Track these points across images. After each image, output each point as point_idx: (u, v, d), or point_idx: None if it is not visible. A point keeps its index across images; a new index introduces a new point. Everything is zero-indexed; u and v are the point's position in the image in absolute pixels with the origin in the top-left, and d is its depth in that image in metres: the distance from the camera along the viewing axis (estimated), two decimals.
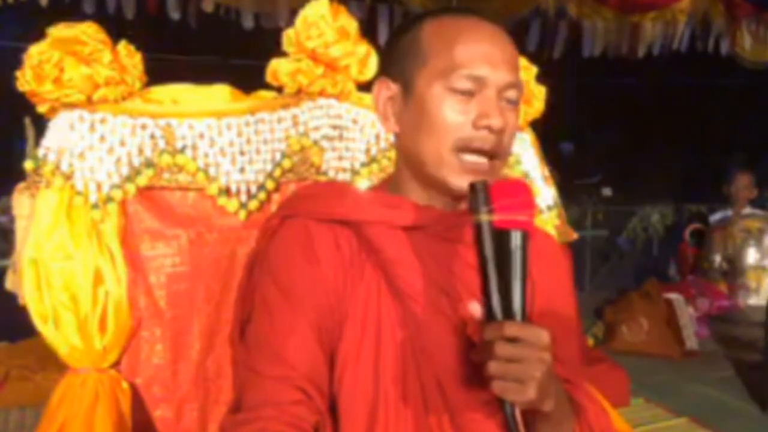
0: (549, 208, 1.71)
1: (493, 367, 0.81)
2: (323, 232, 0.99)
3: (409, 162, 1.01)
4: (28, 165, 1.25)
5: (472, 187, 0.86)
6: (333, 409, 0.97)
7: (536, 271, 0.90)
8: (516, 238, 0.84)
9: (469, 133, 0.95)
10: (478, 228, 0.85)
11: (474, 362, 0.86)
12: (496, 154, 0.96)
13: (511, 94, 0.97)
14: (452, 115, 0.95)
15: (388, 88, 1.02)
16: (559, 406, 0.89)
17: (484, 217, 0.84)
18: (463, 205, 0.98)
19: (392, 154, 1.42)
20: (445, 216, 1.00)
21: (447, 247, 1.00)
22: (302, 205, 1.05)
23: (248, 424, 0.91)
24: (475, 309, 0.85)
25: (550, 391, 0.84)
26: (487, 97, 0.95)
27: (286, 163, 1.37)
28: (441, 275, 0.98)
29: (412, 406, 0.95)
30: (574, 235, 1.82)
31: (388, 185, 1.07)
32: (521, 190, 0.87)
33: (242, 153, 1.35)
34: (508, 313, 0.84)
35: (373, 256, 0.99)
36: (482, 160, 0.96)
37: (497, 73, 0.95)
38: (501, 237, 0.84)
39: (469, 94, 0.95)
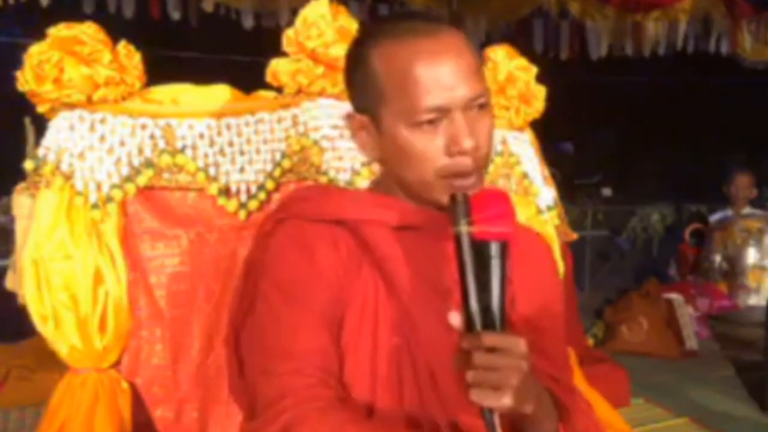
0: (549, 208, 1.71)
1: (471, 375, 0.83)
2: (319, 231, 0.99)
3: (396, 181, 1.03)
4: (28, 165, 1.26)
5: (453, 198, 0.89)
6: None
7: (520, 274, 0.92)
8: (495, 249, 0.86)
9: (446, 162, 0.95)
10: (457, 239, 0.87)
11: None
12: (478, 168, 0.98)
13: (479, 102, 0.97)
14: (425, 148, 0.95)
15: (359, 121, 1.02)
16: (541, 409, 0.90)
17: (463, 229, 0.87)
18: None
19: None
20: (437, 216, 1.01)
21: (440, 245, 1.00)
22: (294, 207, 1.05)
23: (271, 423, 0.90)
24: (455, 319, 0.87)
25: (528, 397, 0.86)
26: (453, 119, 0.95)
27: (286, 163, 1.37)
28: (434, 274, 1.00)
29: (407, 401, 0.97)
30: (574, 235, 1.82)
31: (379, 187, 1.08)
32: (500, 201, 0.89)
33: (242, 153, 1.35)
34: (487, 322, 0.85)
35: (369, 255, 0.99)
36: (467, 181, 0.97)
37: (458, 92, 0.94)
38: (480, 248, 0.86)
39: (435, 121, 0.95)
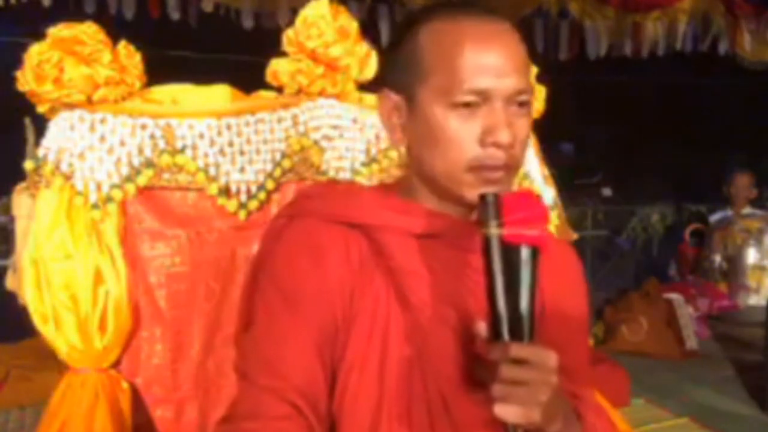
0: (549, 208, 1.71)
1: (497, 389, 0.78)
2: (333, 234, 0.94)
3: (421, 173, 0.97)
4: (28, 165, 1.26)
5: (483, 198, 0.83)
6: (331, 424, 0.93)
7: (547, 282, 0.87)
8: (525, 254, 0.80)
9: (478, 153, 0.90)
10: (486, 241, 0.81)
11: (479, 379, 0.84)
12: (509, 166, 0.92)
13: (521, 98, 0.91)
14: (458, 133, 0.90)
15: (392, 100, 0.96)
16: (567, 427, 0.86)
17: (493, 231, 0.81)
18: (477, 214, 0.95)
19: (393, 153, 1.42)
20: (459, 224, 0.96)
21: (459, 256, 0.96)
22: (311, 204, 0.99)
23: None
24: (481, 328, 0.83)
25: (556, 414, 0.82)
26: (493, 108, 0.89)
27: (286, 163, 1.37)
28: (452, 286, 0.95)
29: (416, 421, 0.92)
30: (574, 235, 1.82)
31: (399, 189, 1.02)
32: (533, 203, 0.84)
33: (242, 153, 1.35)
34: (515, 331, 0.80)
35: (383, 263, 0.94)
36: (496, 174, 0.92)
37: (503, 81, 0.89)
38: (510, 251, 0.81)
39: (474, 106, 0.89)
